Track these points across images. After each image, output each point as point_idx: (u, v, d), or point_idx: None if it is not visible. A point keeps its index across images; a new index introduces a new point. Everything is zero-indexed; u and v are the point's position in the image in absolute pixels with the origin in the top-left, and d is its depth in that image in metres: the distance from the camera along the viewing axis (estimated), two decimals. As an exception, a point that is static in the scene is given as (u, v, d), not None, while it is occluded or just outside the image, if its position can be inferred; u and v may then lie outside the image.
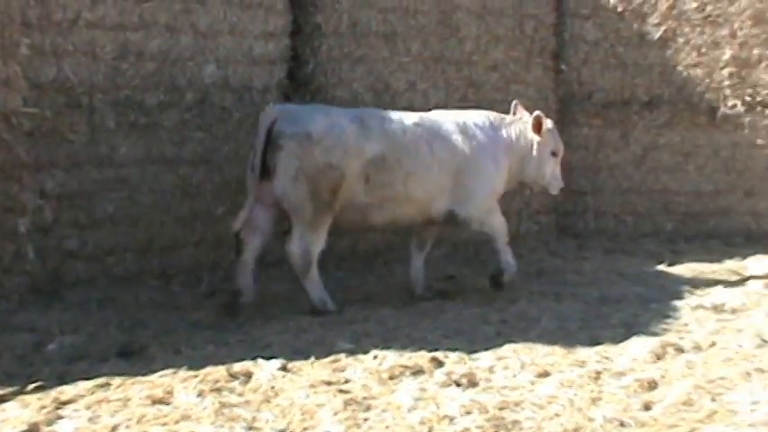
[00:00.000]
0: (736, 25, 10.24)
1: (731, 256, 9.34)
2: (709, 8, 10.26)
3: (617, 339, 6.17)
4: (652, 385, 5.21)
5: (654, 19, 10.31)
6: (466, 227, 7.70)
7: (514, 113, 7.98)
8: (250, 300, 7.16)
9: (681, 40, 10.32)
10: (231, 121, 8.16)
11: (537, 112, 7.83)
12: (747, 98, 10.26)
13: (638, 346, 5.98)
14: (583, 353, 5.86)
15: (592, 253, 9.61)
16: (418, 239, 7.83)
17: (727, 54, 10.25)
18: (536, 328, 6.50)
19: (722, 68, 10.28)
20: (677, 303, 7.31)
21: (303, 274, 7.02)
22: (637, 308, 7.18)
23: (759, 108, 10.26)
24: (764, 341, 6.15)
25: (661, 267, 8.95)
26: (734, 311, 7.07)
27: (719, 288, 7.80)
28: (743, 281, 8.25)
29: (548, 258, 9.17)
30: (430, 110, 8.37)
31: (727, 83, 10.28)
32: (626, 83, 10.44)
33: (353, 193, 7.04)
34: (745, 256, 9.35)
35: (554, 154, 7.91)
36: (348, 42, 8.96)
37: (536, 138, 7.75)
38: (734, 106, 10.23)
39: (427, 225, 7.67)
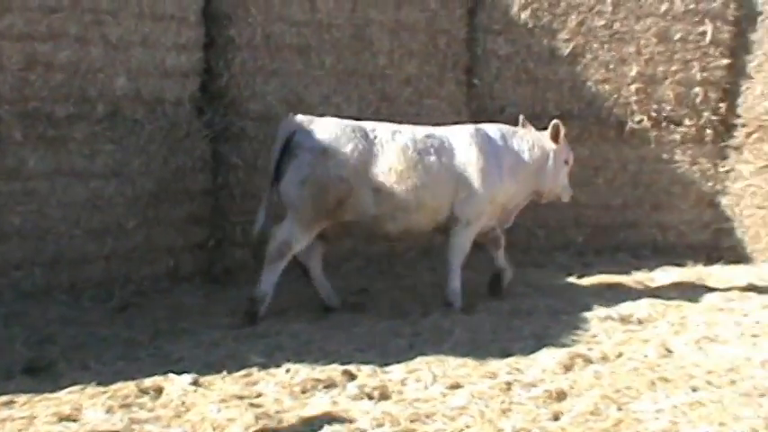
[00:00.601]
0: (642, 42, 10.45)
1: (638, 268, 9.51)
2: (616, 25, 10.45)
3: (527, 351, 6.27)
4: (561, 396, 5.33)
5: (564, 35, 10.46)
6: (453, 224, 7.75)
7: (524, 126, 8.24)
8: (335, 303, 7.68)
9: (589, 56, 10.49)
10: (143, 134, 8.05)
11: (555, 121, 8.11)
12: (653, 113, 10.47)
13: (548, 357, 6.10)
14: (494, 364, 5.95)
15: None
16: (492, 241, 8.35)
17: (634, 70, 10.45)
18: (448, 341, 6.54)
19: (629, 84, 10.48)
20: (586, 315, 7.43)
21: (271, 260, 7.21)
22: (547, 320, 7.28)
23: (664, 123, 10.49)
24: (669, 351, 6.34)
25: (571, 279, 9.08)
26: (640, 322, 7.23)
27: (627, 299, 7.93)
28: (650, 292, 8.40)
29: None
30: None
31: (634, 98, 10.48)
32: (537, 97, 10.55)
33: (364, 205, 7.30)
34: (651, 268, 9.54)
35: (566, 162, 8.23)
36: (262, 55, 8.90)
37: (553, 146, 8.04)
38: (640, 121, 10.44)
39: (437, 231, 7.94)
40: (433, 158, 7.50)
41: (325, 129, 7.31)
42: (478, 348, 6.33)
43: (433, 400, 5.20)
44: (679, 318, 7.32)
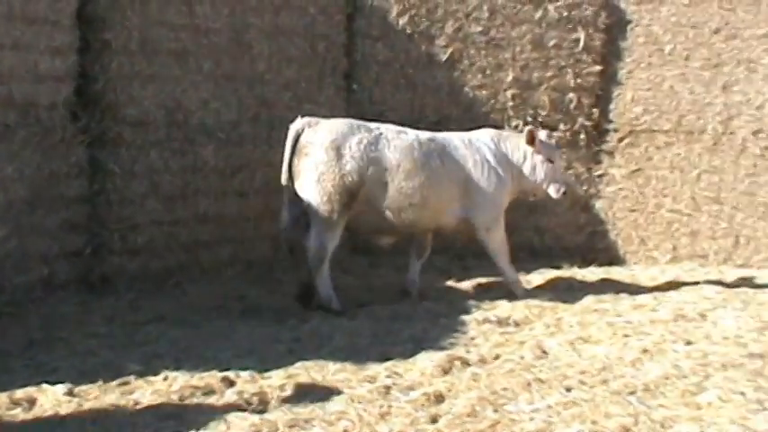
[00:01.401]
0: (517, 49, 10.66)
1: (516, 271, 9.64)
2: (492, 32, 10.63)
3: (406, 354, 6.33)
4: (439, 398, 5.40)
5: (441, 41, 10.59)
6: (476, 233, 8.62)
7: (521, 131, 9.17)
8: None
9: (467, 61, 10.65)
10: (16, 139, 7.79)
11: (529, 127, 9.13)
12: (529, 118, 10.68)
13: (427, 360, 6.16)
14: (373, 369, 5.98)
15: (384, 270, 9.76)
16: (418, 248, 8.83)
17: (510, 76, 10.66)
18: (328, 346, 6.57)
19: (506, 90, 10.68)
20: (465, 318, 7.54)
21: (315, 269, 7.78)
22: (426, 323, 7.35)
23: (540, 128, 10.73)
24: (544, 352, 6.48)
25: (450, 283, 9.19)
26: (517, 324, 7.37)
27: (504, 302, 8.08)
28: (527, 294, 8.55)
29: (340, 276, 9.22)
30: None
31: (510, 104, 10.69)
32: (416, 103, 10.66)
33: (374, 199, 7.94)
34: (528, 271, 9.71)
35: (550, 161, 8.77)
36: (138, 60, 8.72)
37: (529, 149, 8.66)
38: (517, 126, 10.63)
39: (439, 230, 8.76)
40: (436, 161, 8.19)
41: (333, 127, 7.94)
42: (358, 353, 6.37)
43: (312, 405, 5.21)
44: (554, 319, 7.49)
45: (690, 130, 10.67)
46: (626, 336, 6.97)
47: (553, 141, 9.14)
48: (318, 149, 7.76)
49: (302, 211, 7.89)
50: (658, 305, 8.13)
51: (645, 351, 6.49)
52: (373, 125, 8.22)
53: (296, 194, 7.86)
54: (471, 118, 10.60)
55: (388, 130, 8.19)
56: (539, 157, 8.70)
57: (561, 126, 10.75)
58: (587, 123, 10.85)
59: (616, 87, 10.90)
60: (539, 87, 10.73)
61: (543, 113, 10.74)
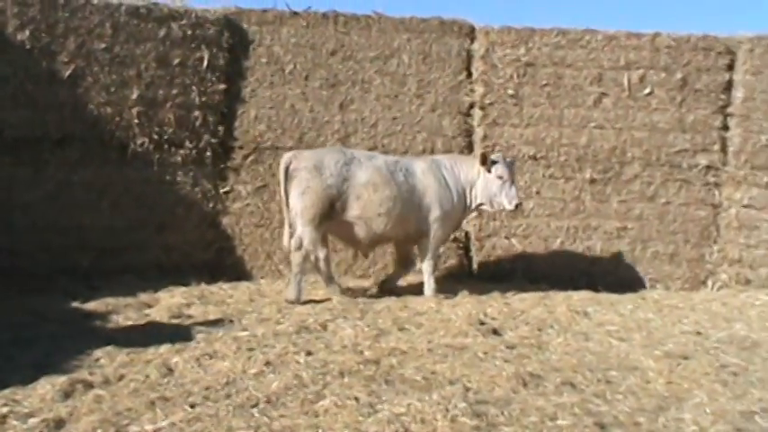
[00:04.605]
0: (142, 66, 10.65)
1: (144, 289, 9.58)
2: (116, 49, 10.55)
3: (26, 381, 6.14)
4: (59, 424, 5.33)
5: (63, 57, 10.36)
6: (424, 236, 10.02)
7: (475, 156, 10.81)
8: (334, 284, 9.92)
9: (90, 78, 10.47)
10: None
11: (482, 151, 10.68)
12: (155, 136, 10.70)
13: (48, 385, 6.01)
14: (-10, 397, 5.76)
15: (5, 293, 9.36)
16: (399, 258, 10.58)
17: (135, 94, 10.62)
18: None
19: (131, 107, 10.62)
20: (90, 339, 7.40)
21: (297, 266, 9.48)
22: (49, 347, 7.15)
23: (166, 146, 10.77)
24: (170, 370, 6.52)
25: (76, 304, 8.95)
26: (143, 343, 7.34)
27: (128, 320, 8.06)
28: (152, 312, 8.56)
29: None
30: None
31: (135, 121, 10.63)
32: (37, 120, 10.33)
33: (348, 209, 9.55)
34: (157, 289, 9.69)
35: (500, 177, 10.11)
36: None
37: (482, 169, 10.13)
38: (143, 144, 10.61)
39: (406, 240, 10.19)
40: (401, 178, 9.76)
41: (314, 153, 9.73)
42: (-28, 382, 6.11)
43: None
44: (180, 337, 7.54)
45: (311, 146, 11.12)
46: (251, 349, 7.17)
47: (505, 161, 10.28)
48: (303, 171, 9.45)
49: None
50: (282, 318, 8.47)
51: (268, 363, 6.73)
52: (347, 150, 9.95)
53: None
54: (96, 135, 10.47)
55: (360, 153, 9.92)
56: (489, 175, 10.08)
57: (187, 143, 10.86)
58: (213, 141, 11.03)
59: (240, 105, 11.19)
60: (164, 105, 10.77)
61: (169, 131, 10.79)
